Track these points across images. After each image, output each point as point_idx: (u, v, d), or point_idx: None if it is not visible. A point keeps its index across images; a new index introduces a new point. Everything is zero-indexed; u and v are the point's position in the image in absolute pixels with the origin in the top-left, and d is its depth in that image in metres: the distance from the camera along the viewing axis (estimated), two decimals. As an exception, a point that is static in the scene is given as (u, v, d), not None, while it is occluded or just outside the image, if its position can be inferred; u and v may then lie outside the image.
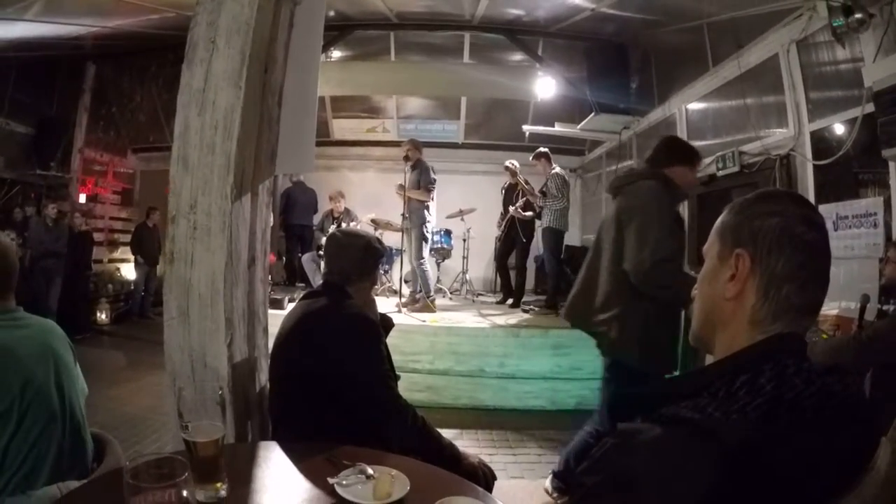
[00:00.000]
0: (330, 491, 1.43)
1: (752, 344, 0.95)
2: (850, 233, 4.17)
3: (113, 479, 1.46)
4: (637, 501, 0.82)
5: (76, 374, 1.89)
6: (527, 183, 7.34)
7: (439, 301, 7.53)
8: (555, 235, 6.97)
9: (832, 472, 0.84)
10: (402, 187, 6.63)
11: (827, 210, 4.39)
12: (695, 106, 6.90)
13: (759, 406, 0.84)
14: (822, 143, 4.64)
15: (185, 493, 0.99)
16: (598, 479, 0.88)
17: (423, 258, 6.92)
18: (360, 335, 2.19)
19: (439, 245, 8.16)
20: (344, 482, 1.45)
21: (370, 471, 1.49)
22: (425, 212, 6.85)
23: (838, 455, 0.86)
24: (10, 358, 1.65)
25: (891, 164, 3.82)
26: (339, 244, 2.37)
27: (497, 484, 2.27)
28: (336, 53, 9.24)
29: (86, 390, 1.94)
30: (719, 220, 1.06)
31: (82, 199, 9.94)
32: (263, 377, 2.45)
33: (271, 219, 7.70)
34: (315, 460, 1.62)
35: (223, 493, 1.35)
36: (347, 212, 8.13)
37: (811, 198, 4.60)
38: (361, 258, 2.35)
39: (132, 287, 9.92)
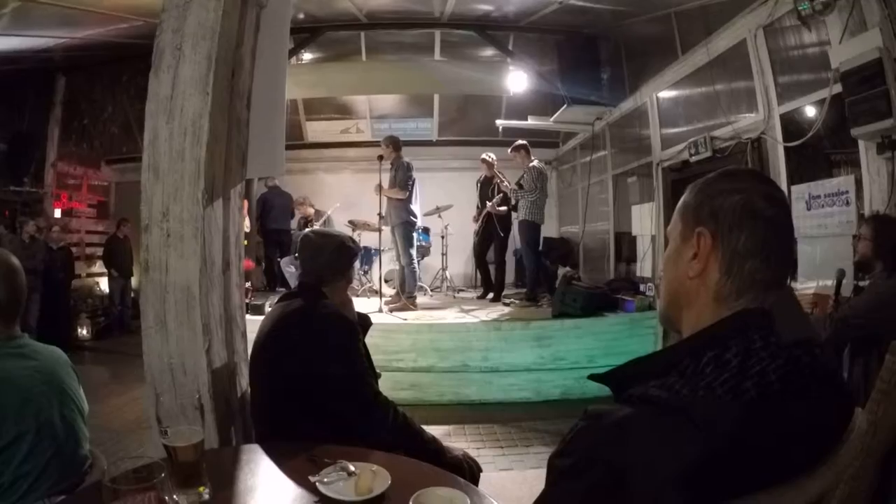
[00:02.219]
0: (312, 489, 1.43)
1: (718, 321, 0.95)
2: (823, 212, 4.23)
3: (96, 491, 1.46)
4: (608, 482, 0.82)
5: (80, 397, 1.89)
6: (502, 176, 7.36)
7: (420, 299, 7.54)
8: (531, 228, 7.00)
9: (805, 442, 0.85)
10: (379, 187, 6.61)
11: (799, 190, 4.46)
12: (666, 94, 6.97)
13: (726, 381, 0.84)
14: (792, 125, 4.71)
15: (165, 495, 0.99)
16: (569, 461, 0.88)
17: (412, 258, 6.92)
18: (338, 334, 2.17)
19: (419, 243, 8.17)
20: (325, 480, 1.46)
21: (351, 467, 1.50)
22: (406, 211, 6.83)
23: (810, 425, 0.86)
24: (13, 389, 1.65)
25: (860, 142, 3.89)
26: (312, 245, 2.34)
27: (486, 476, 2.29)
28: (307, 56, 9.21)
29: (87, 409, 1.93)
30: (681, 200, 1.06)
31: (57, 213, 9.80)
32: (244, 382, 2.44)
33: (246, 223, 7.68)
34: (297, 460, 1.62)
35: (206, 496, 1.35)
36: (318, 213, 8.12)
37: (783, 179, 4.68)
38: (336, 258, 2.33)
39: (109, 301, 9.77)
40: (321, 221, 8.06)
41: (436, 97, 10.25)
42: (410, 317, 6.27)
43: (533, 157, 7.11)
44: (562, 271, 7.80)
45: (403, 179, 6.71)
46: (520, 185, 6.99)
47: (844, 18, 3.88)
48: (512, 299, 7.16)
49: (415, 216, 6.98)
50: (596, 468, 0.83)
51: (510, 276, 8.99)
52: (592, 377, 1.04)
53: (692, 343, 0.96)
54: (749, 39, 5.06)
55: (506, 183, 7.25)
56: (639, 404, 0.87)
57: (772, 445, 0.82)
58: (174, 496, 1.07)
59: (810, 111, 4.51)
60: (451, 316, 6.46)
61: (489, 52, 9.05)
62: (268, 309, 6.21)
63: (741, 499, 0.79)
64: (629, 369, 0.99)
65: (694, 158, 5.86)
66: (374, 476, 1.45)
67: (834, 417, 0.92)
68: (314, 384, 2.06)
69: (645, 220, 7.23)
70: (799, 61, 4.66)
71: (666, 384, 0.88)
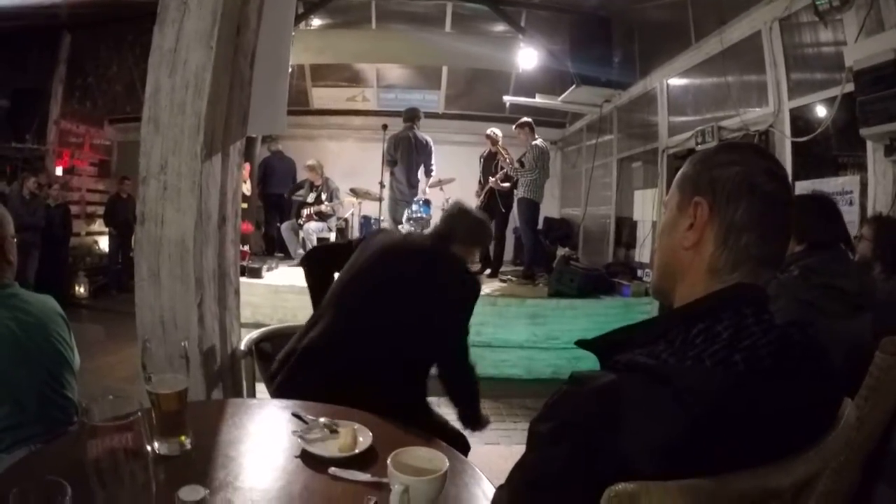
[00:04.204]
0: (295, 444, 1.44)
1: (711, 293, 0.94)
2: None
3: (73, 438, 1.48)
4: (588, 448, 0.81)
5: (69, 346, 1.91)
6: (506, 152, 7.32)
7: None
8: (530, 206, 6.97)
9: (793, 422, 0.85)
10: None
11: (803, 187, 4.44)
12: (676, 81, 6.91)
13: (715, 353, 0.83)
14: (801, 121, 4.68)
15: (143, 440, 0.99)
16: (551, 425, 0.86)
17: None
18: (464, 286, 2.20)
19: (418, 215, 8.15)
20: (308, 436, 1.46)
21: (334, 425, 1.51)
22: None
23: (798, 405, 0.86)
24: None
25: (868, 142, 3.86)
26: (461, 209, 2.42)
27: (473, 450, 2.28)
28: (316, 21, 9.12)
29: (78, 363, 1.94)
30: (680, 171, 1.04)
31: (59, 171, 9.75)
32: (235, 338, 2.46)
33: (247, 186, 7.64)
34: (282, 416, 1.63)
35: (188, 445, 1.36)
36: (326, 182, 8.07)
37: (789, 174, 4.65)
38: (477, 227, 2.40)
39: (108, 260, 9.77)
40: (329, 192, 7.99)
41: (444, 70, 10.14)
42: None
43: (536, 136, 7.07)
44: (560, 251, 7.79)
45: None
46: (521, 163, 6.97)
47: (862, 17, 3.83)
48: (509, 276, 7.15)
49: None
50: (576, 434, 0.83)
51: (509, 253, 8.95)
52: (579, 343, 1.03)
53: (683, 313, 0.95)
54: (764, 31, 5.00)
55: (508, 160, 7.21)
56: (624, 371, 0.86)
57: (758, 421, 0.82)
58: (153, 440, 1.07)
59: (820, 108, 4.48)
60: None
61: (500, 27, 8.94)
62: (265, 272, 6.29)
63: (724, 475, 0.78)
64: (617, 336, 0.98)
65: (700, 147, 5.82)
66: (356, 434, 1.45)
67: (823, 400, 0.92)
68: (424, 323, 2.08)
69: (647, 206, 7.21)
70: (813, 57, 4.61)
71: (653, 352, 0.87)
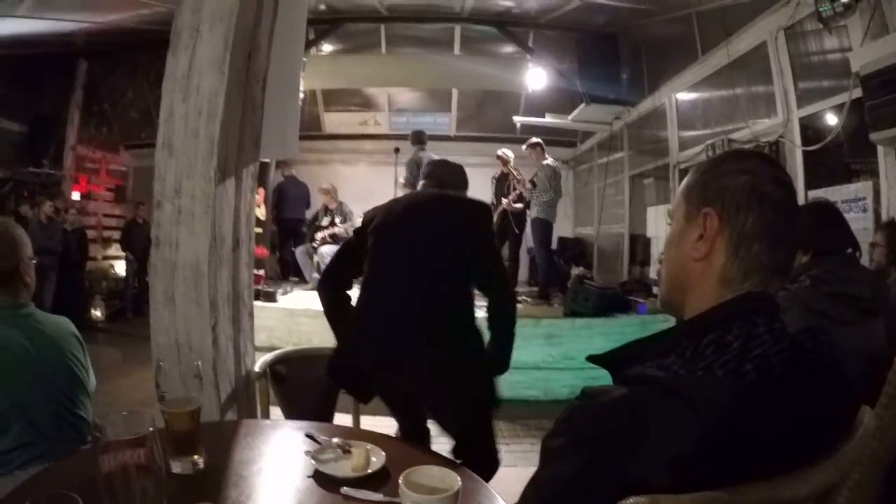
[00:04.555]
0: (308, 465, 1.44)
1: (721, 303, 0.93)
2: None
3: (87, 455, 1.49)
4: (603, 462, 0.80)
5: (84, 366, 1.92)
6: (518, 173, 7.34)
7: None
8: (543, 227, 6.97)
9: (807, 430, 0.84)
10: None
11: (816, 196, 4.42)
12: (684, 95, 6.93)
13: (725, 363, 0.83)
14: (811, 130, 4.67)
15: (155, 457, 1.00)
16: (563, 440, 0.86)
17: None
18: (491, 221, 2.65)
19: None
20: (321, 456, 1.46)
21: (347, 446, 1.51)
22: None
23: (812, 413, 0.85)
24: (11, 357, 1.69)
25: (879, 147, 3.83)
26: (438, 161, 2.81)
27: (488, 471, 2.27)
28: (327, 47, 9.25)
29: (94, 384, 1.96)
30: (685, 180, 1.03)
31: (75, 196, 9.89)
32: (249, 360, 2.46)
33: (262, 211, 7.70)
34: (295, 437, 1.63)
35: (201, 464, 1.36)
36: (340, 206, 8.11)
37: (800, 184, 4.63)
38: (457, 171, 2.70)
39: (124, 284, 9.82)
40: (343, 215, 8.02)
41: (454, 92, 10.24)
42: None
43: (547, 156, 7.07)
44: (575, 271, 7.77)
45: None
46: (533, 184, 6.97)
47: (866, 21, 3.84)
48: (524, 297, 7.13)
49: None
50: (588, 448, 0.83)
51: (523, 273, 8.94)
52: (590, 358, 1.03)
53: (693, 325, 0.94)
54: (769, 41, 5.02)
55: (520, 180, 7.22)
56: (635, 384, 0.86)
57: (771, 430, 0.81)
58: (165, 457, 1.08)
59: (830, 115, 4.47)
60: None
61: (509, 48, 9.03)
62: (280, 296, 6.32)
63: (738, 487, 0.77)
64: (628, 350, 0.98)
65: (711, 161, 5.81)
66: (369, 454, 1.45)
67: (837, 407, 0.90)
68: (476, 255, 2.40)
69: (660, 222, 7.18)
70: (820, 64, 4.62)
71: (663, 365, 0.87)
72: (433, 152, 7.43)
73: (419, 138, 7.48)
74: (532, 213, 7.05)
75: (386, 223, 2.43)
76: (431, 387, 2.31)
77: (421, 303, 2.28)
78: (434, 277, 2.31)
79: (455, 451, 2.35)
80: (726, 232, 0.94)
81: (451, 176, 2.64)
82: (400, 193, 6.81)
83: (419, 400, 2.44)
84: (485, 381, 2.45)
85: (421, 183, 2.68)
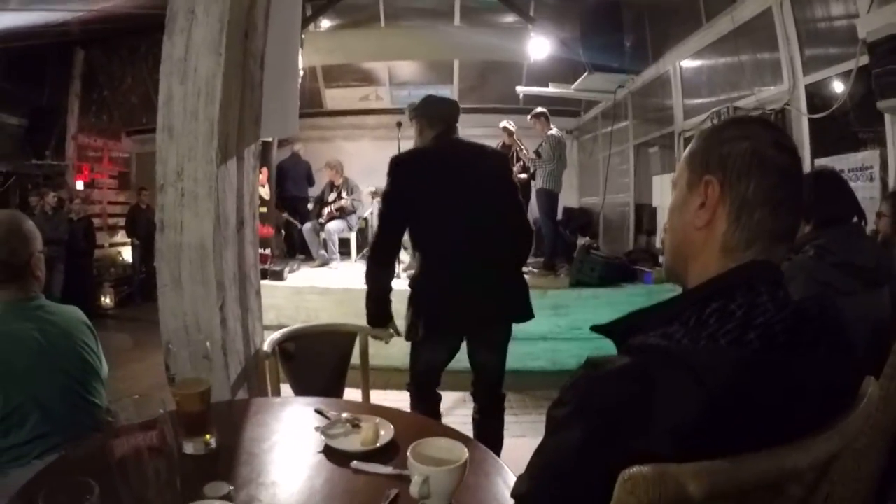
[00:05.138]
0: (318, 440, 1.46)
1: (725, 272, 0.93)
2: None
3: (99, 440, 1.51)
4: (604, 431, 0.81)
5: (97, 354, 1.94)
6: (522, 144, 7.30)
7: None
8: (548, 197, 6.95)
9: (810, 399, 0.83)
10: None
11: (822, 164, 4.37)
12: (689, 63, 6.84)
13: (729, 331, 0.83)
14: (817, 97, 4.60)
15: (167, 438, 1.01)
16: (567, 410, 0.87)
17: None
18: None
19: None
20: (330, 431, 1.48)
21: (357, 420, 1.53)
22: None
23: (816, 381, 0.84)
24: (25, 349, 1.70)
25: (886, 116, 3.78)
26: (424, 99, 2.88)
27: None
28: (325, 23, 9.14)
29: (106, 371, 1.98)
30: (688, 148, 1.02)
31: (79, 185, 9.93)
32: (257, 339, 2.49)
33: (266, 190, 7.70)
34: (305, 414, 1.66)
35: (213, 444, 1.39)
36: (346, 181, 8.08)
37: (806, 152, 4.58)
38: (451, 102, 2.91)
39: (132, 270, 9.92)
40: (349, 189, 8.00)
41: (455, 64, 10.11)
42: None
43: (552, 126, 7.03)
44: (581, 241, 7.75)
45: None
46: (538, 154, 6.93)
47: (874, -13, 3.76)
48: (530, 267, 7.12)
49: None
50: (591, 417, 0.83)
51: (530, 243, 8.94)
52: (595, 328, 1.03)
53: (696, 293, 0.94)
54: (775, 7, 4.92)
55: (525, 151, 7.18)
56: (638, 354, 0.86)
57: (774, 399, 0.80)
58: (177, 437, 1.09)
59: (836, 83, 4.40)
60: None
61: (510, 17, 8.88)
62: (287, 274, 6.34)
63: (741, 456, 0.76)
64: (631, 320, 0.98)
65: (716, 129, 5.75)
66: (377, 428, 1.47)
67: (842, 376, 0.90)
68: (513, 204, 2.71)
69: (666, 191, 7.06)
70: (826, 31, 4.54)
71: (667, 333, 0.87)
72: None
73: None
74: (537, 184, 7.01)
75: (431, 186, 2.57)
76: (501, 323, 2.78)
77: (491, 254, 2.58)
78: (495, 229, 2.59)
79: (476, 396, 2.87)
80: (728, 199, 0.94)
81: (455, 112, 2.80)
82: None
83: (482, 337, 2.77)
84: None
85: (426, 123, 2.79)
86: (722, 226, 0.94)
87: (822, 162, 4.41)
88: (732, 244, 0.94)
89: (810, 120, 4.62)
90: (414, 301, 2.61)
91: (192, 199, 2.16)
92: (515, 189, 2.77)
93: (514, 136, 7.33)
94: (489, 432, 2.79)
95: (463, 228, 2.52)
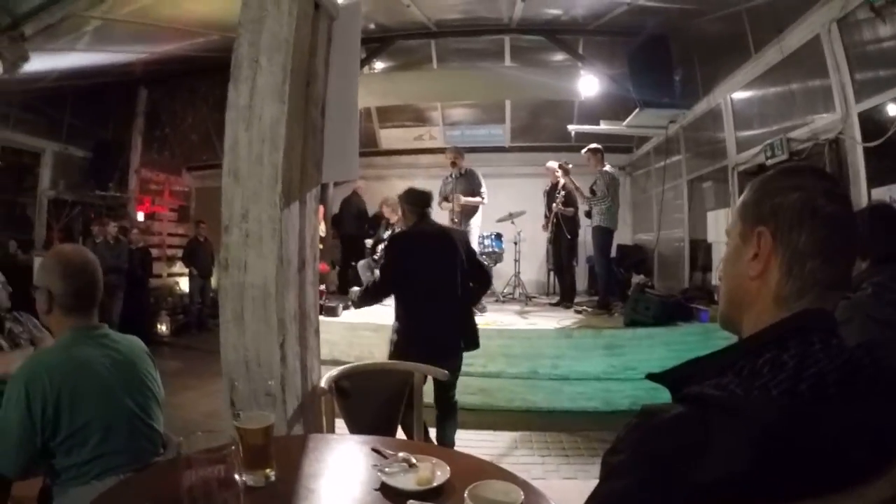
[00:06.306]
0: (375, 478, 1.49)
1: (777, 322, 0.93)
2: None
3: (164, 467, 1.60)
4: (660, 479, 0.82)
5: (157, 382, 2.03)
6: (576, 184, 7.29)
7: (491, 305, 7.56)
8: (604, 234, 6.92)
9: (862, 451, 0.83)
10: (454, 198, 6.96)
11: (879, 193, 4.24)
12: (739, 95, 6.76)
13: (781, 382, 0.83)
14: (871, 124, 4.47)
15: (234, 471, 1.07)
16: (622, 457, 0.88)
17: None
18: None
19: (491, 249, 8.17)
20: (387, 469, 1.51)
21: (413, 459, 1.55)
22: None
23: (868, 433, 0.84)
24: (92, 375, 1.80)
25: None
26: (405, 191, 3.81)
27: (549, 483, 2.32)
28: (379, 65, 9.38)
29: (163, 397, 2.08)
30: (740, 199, 1.04)
31: (140, 217, 10.42)
32: (315, 376, 2.55)
33: (322, 228, 7.88)
34: (361, 451, 1.69)
35: (272, 477, 1.44)
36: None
37: (862, 181, 4.46)
38: (422, 192, 3.82)
39: (189, 299, 10.22)
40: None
41: (507, 103, 10.24)
42: (481, 322, 6.28)
43: (606, 163, 7.04)
44: (635, 279, 7.65)
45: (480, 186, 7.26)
46: (592, 192, 6.94)
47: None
48: (584, 307, 7.07)
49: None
50: (646, 466, 0.84)
51: (583, 283, 8.85)
52: (650, 376, 1.04)
53: (750, 344, 0.95)
54: (823, 35, 4.83)
55: (580, 191, 7.19)
56: (692, 403, 0.87)
57: (825, 448, 0.81)
58: (241, 472, 1.14)
59: (889, 108, 4.27)
60: (521, 322, 6.45)
61: (559, 56, 8.96)
62: (341, 311, 6.44)
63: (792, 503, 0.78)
64: (686, 369, 0.98)
65: (770, 161, 5.63)
66: (434, 468, 1.49)
67: (893, 424, 0.89)
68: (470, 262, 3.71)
69: (720, 227, 7.01)
70: (876, 56, 4.41)
71: (721, 384, 0.88)
72: (489, 166, 7.51)
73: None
74: (593, 222, 7.01)
75: (413, 257, 3.54)
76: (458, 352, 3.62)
77: (455, 304, 3.58)
78: (458, 285, 3.57)
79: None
80: (780, 250, 0.95)
81: (429, 200, 3.78)
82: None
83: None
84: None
85: (409, 208, 3.71)
86: (775, 276, 0.96)
87: (879, 191, 4.27)
88: (785, 294, 0.95)
89: (865, 148, 4.50)
90: (396, 337, 3.66)
91: (256, 241, 2.25)
92: (471, 253, 3.84)
93: (570, 176, 7.31)
94: (448, 432, 3.69)
95: (431, 283, 3.49)
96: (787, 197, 0.96)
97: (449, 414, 3.73)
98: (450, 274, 3.54)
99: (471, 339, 3.71)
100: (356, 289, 5.35)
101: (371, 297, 3.83)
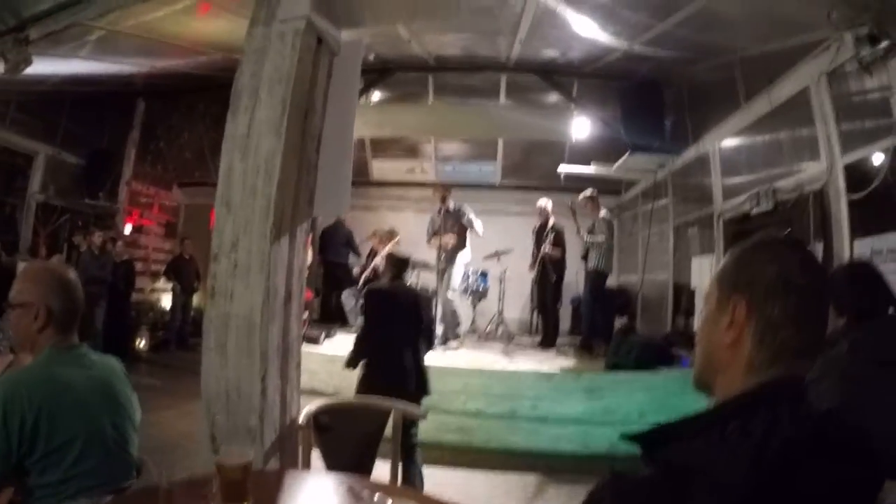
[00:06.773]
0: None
1: (748, 389, 0.97)
2: (886, 268, 3.95)
3: (142, 495, 1.58)
4: None
5: (133, 405, 2.03)
6: (579, 223, 7.39)
7: (473, 343, 7.56)
8: (599, 277, 7.10)
9: None
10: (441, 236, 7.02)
11: (862, 245, 4.28)
12: (728, 143, 6.87)
13: (747, 451, 0.85)
14: (856, 176, 4.52)
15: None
16: None
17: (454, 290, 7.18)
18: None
19: (476, 287, 8.19)
20: (364, 511, 1.51)
21: (389, 501, 1.55)
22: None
23: (832, 496, 0.86)
24: (70, 395, 1.79)
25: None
26: (388, 257, 4.49)
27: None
28: (376, 95, 9.46)
29: (139, 419, 2.06)
30: (719, 267, 1.08)
31: (128, 229, 10.34)
32: (294, 409, 2.53)
33: (310, 256, 7.87)
34: (338, 490, 1.69)
35: (250, 513, 1.43)
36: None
37: (845, 232, 4.50)
38: (403, 259, 4.37)
39: (170, 316, 10.07)
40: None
41: (500, 141, 10.33)
42: (461, 361, 6.26)
43: (602, 208, 7.17)
44: (618, 322, 7.69)
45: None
46: (590, 232, 7.11)
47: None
48: (566, 347, 7.08)
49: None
50: None
51: (566, 322, 8.87)
52: (624, 437, 1.07)
53: (720, 411, 0.99)
54: (812, 87, 4.93)
55: (582, 233, 7.29)
56: (661, 466, 0.90)
57: None
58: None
59: (874, 160, 4.33)
60: (502, 361, 6.46)
61: (553, 97, 9.08)
62: (323, 340, 6.41)
63: None
64: (659, 432, 1.00)
65: (755, 211, 5.72)
66: (409, 511, 1.50)
67: (858, 490, 0.91)
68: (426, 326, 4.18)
69: (704, 273, 7.08)
70: (863, 109, 4.50)
71: (689, 448, 0.91)
72: (479, 202, 7.57)
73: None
74: (589, 265, 7.15)
75: (382, 309, 4.08)
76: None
77: (412, 352, 3.96)
78: (416, 336, 4.03)
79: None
80: (754, 320, 0.99)
81: (407, 266, 4.39)
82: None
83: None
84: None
85: (390, 267, 4.25)
86: (747, 345, 1.00)
87: (862, 242, 4.33)
88: (757, 362, 0.99)
89: (850, 199, 4.54)
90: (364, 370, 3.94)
91: (244, 271, 2.26)
92: (429, 319, 4.39)
93: (576, 215, 7.41)
94: (413, 472, 3.72)
95: (393, 332, 3.97)
96: (764, 269, 1.00)
97: (410, 454, 3.74)
98: (409, 329, 4.03)
99: (422, 384, 4.04)
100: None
101: (358, 350, 4.09)
